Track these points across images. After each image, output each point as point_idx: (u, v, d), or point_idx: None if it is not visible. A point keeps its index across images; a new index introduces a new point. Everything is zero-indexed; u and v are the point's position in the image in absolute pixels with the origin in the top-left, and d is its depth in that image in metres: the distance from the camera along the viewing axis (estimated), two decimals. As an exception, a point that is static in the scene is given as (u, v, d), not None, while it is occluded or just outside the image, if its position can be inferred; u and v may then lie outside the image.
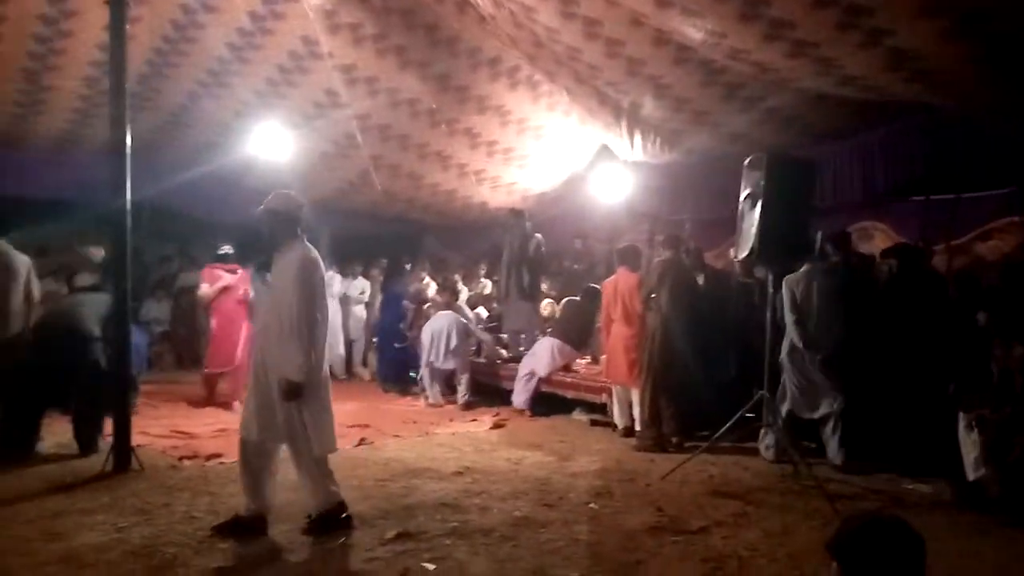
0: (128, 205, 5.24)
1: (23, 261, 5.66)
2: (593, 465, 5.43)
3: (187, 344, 11.01)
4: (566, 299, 8.04)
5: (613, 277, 6.64)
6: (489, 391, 8.22)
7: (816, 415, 5.30)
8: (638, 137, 7.88)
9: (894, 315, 5.29)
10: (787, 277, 5.38)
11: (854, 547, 1.82)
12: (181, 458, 5.33)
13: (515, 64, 8.14)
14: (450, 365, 8.01)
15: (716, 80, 6.35)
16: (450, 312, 8.22)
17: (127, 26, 5.39)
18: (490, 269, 11.09)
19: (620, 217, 9.53)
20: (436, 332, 8.02)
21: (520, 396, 7.45)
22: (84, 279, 10.39)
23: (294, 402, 3.74)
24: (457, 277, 10.17)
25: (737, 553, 3.64)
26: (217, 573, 3.31)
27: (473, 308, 9.33)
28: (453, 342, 7.94)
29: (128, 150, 5.22)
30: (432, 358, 8.01)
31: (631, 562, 3.53)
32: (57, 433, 5.62)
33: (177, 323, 11.06)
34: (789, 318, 5.34)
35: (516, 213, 8.73)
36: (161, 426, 6.34)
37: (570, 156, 9.76)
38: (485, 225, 11.39)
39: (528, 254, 8.23)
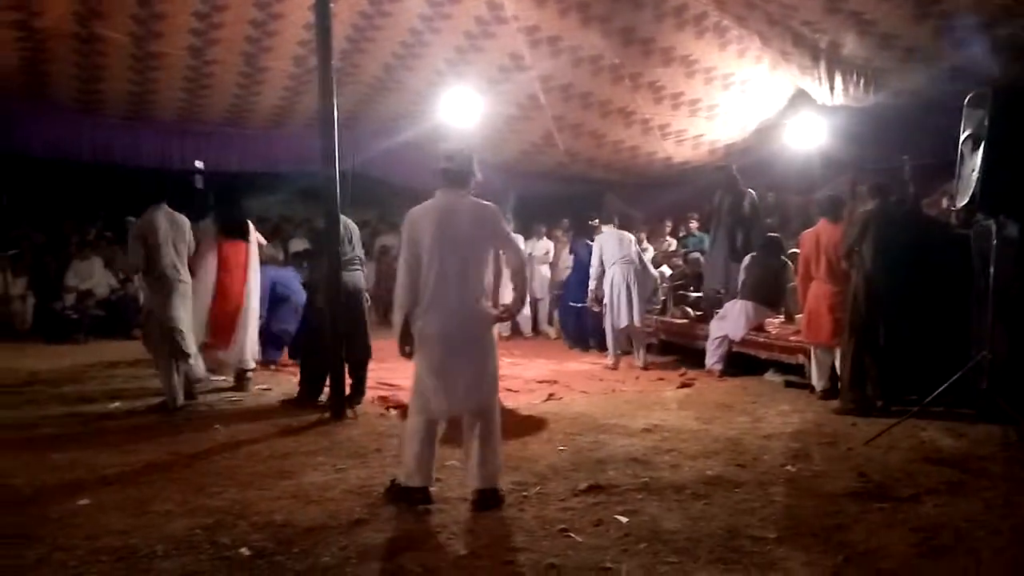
0: (337, 174, 5.64)
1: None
2: (788, 427, 5.24)
3: (389, 303, 11.74)
4: (749, 256, 7.55)
5: (812, 230, 6.24)
6: (676, 351, 8.13)
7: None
8: (838, 79, 7.32)
9: None
10: None
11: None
12: (388, 407, 5.77)
13: (702, 11, 7.83)
14: (624, 322, 7.71)
15: (930, 11, 5.76)
16: (625, 263, 7.84)
17: (330, 4, 5.75)
18: (675, 226, 10.87)
19: (816, 167, 8.97)
20: (615, 287, 7.79)
21: (712, 358, 7.28)
22: (298, 244, 11.45)
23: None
24: (642, 235, 10.06)
25: (953, 523, 3.39)
26: (424, 512, 3.57)
27: (657, 267, 9.22)
28: (633, 295, 7.72)
29: (336, 122, 5.61)
30: (614, 316, 7.81)
31: (832, 526, 3.40)
32: (282, 383, 6.29)
33: (379, 283, 11.83)
34: None
35: (723, 169, 8.31)
36: (369, 378, 6.86)
37: (761, 104, 9.28)
38: (670, 181, 11.16)
39: (742, 212, 7.76)
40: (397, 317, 3.75)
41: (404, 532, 3.37)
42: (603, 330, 8.13)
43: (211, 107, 10.02)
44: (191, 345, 5.76)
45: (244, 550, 3.13)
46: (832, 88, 7.47)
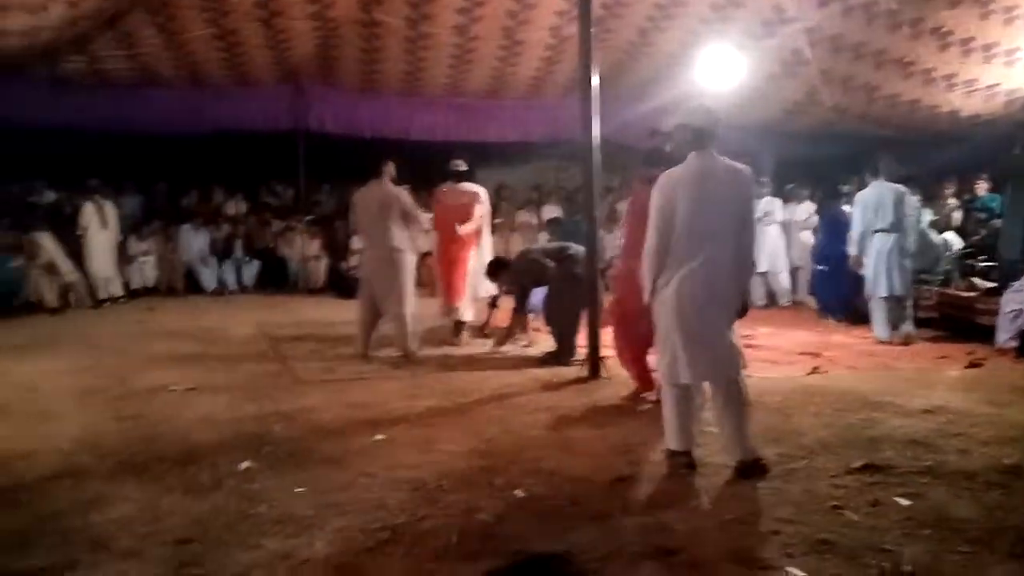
0: (595, 141, 5.73)
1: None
2: (1108, 417, 4.54)
3: (635, 268, 11.77)
4: None
5: None
6: (960, 327, 7.30)
7: None
8: None
9: None
10: None
11: None
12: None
13: (1004, -60, 6.86)
14: (889, 291, 7.03)
15: None
16: (893, 225, 7.08)
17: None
18: (960, 188, 9.72)
19: None
20: (879, 254, 7.10)
21: (1004, 334, 6.44)
22: (551, 211, 11.84)
23: None
24: (915, 198, 9.08)
25: None
26: (686, 475, 3.59)
27: (940, 232, 8.31)
28: (899, 261, 7.02)
29: (595, 90, 5.68)
30: (874, 286, 7.15)
31: None
32: (542, 341, 6.61)
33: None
34: None
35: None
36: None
37: (1078, 44, 7.96)
38: (955, 137, 9.96)
39: None
40: (647, 281, 3.75)
41: (667, 491, 3.42)
42: (865, 300, 7.50)
43: (472, 81, 10.65)
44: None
45: (518, 492, 3.37)
46: None
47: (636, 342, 4.86)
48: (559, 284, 6.22)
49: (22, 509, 3.23)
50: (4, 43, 8.03)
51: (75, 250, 9.49)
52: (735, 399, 3.60)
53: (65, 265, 9.30)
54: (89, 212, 9.55)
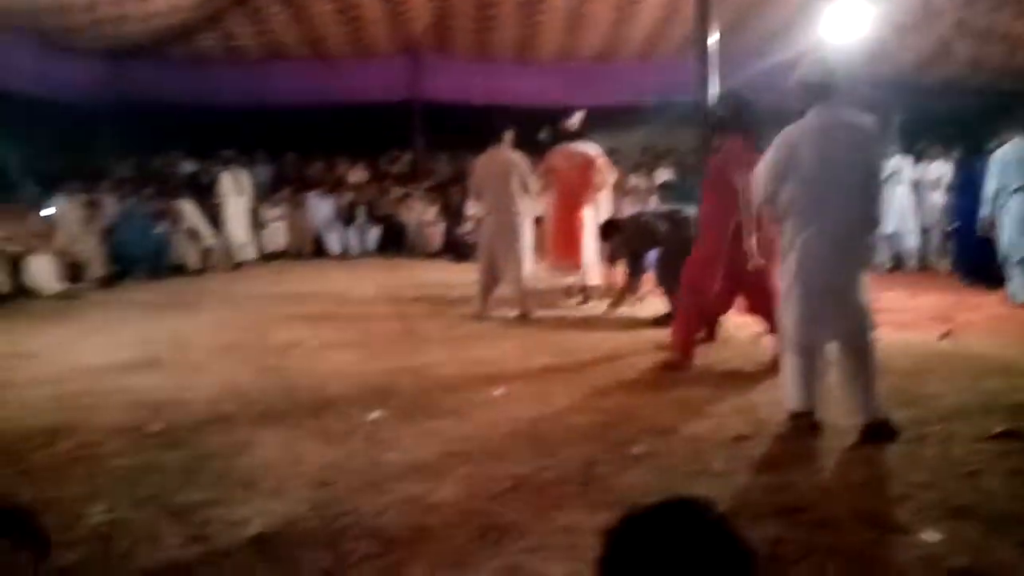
0: (711, 100, 5.60)
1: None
2: None
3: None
4: None
5: None
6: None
7: None
8: None
9: None
10: None
11: None
12: (759, 334, 5.69)
13: None
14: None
15: None
16: None
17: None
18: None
19: None
20: (1015, 215, 6.65)
21: None
22: (662, 175, 11.64)
23: None
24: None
25: None
26: (809, 436, 3.52)
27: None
28: None
29: (712, 48, 5.54)
30: (1010, 249, 6.72)
31: None
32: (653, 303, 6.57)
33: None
34: None
35: None
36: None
37: None
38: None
39: None
40: (750, 233, 3.80)
41: (790, 452, 3.38)
42: (1001, 263, 7.03)
43: (585, 44, 10.56)
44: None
45: (635, 448, 3.41)
46: None
47: (697, 311, 4.80)
48: (671, 247, 6.16)
49: (181, 449, 3.55)
50: (147, 26, 8.62)
51: (213, 216, 10.17)
52: (863, 359, 3.48)
53: (205, 230, 9.98)
54: (226, 181, 10.19)
